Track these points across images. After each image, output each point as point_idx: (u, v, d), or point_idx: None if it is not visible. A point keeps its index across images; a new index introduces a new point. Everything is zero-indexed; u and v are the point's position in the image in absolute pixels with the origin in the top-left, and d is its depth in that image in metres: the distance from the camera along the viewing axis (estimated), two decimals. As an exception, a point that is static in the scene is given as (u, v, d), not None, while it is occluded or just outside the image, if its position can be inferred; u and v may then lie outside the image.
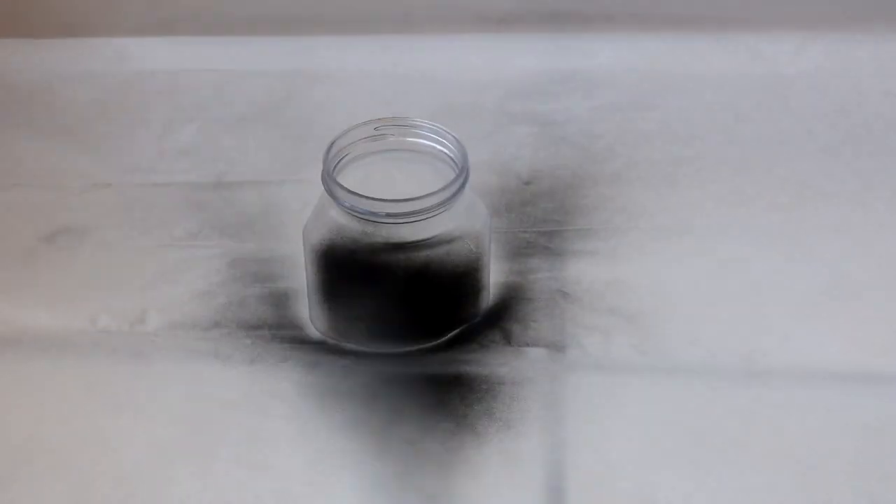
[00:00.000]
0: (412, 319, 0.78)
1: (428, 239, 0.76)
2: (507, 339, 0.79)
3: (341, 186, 0.74)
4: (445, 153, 0.77)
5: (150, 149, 0.92)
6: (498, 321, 0.80)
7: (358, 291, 0.77)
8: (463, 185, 0.75)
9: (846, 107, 0.92)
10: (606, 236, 0.86)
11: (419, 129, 0.78)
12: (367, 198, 0.74)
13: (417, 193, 0.74)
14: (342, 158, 0.77)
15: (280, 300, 0.82)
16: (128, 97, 0.94)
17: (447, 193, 0.75)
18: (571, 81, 0.93)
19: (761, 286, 0.82)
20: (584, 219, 0.87)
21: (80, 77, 0.94)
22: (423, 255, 0.76)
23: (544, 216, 0.88)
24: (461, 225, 0.77)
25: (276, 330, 0.80)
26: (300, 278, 0.81)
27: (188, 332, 0.80)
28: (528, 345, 0.79)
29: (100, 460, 0.73)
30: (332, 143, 0.77)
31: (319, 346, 0.79)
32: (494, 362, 0.78)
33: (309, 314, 0.80)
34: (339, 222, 0.76)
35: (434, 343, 0.79)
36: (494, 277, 0.82)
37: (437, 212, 0.75)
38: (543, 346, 0.79)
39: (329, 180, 0.75)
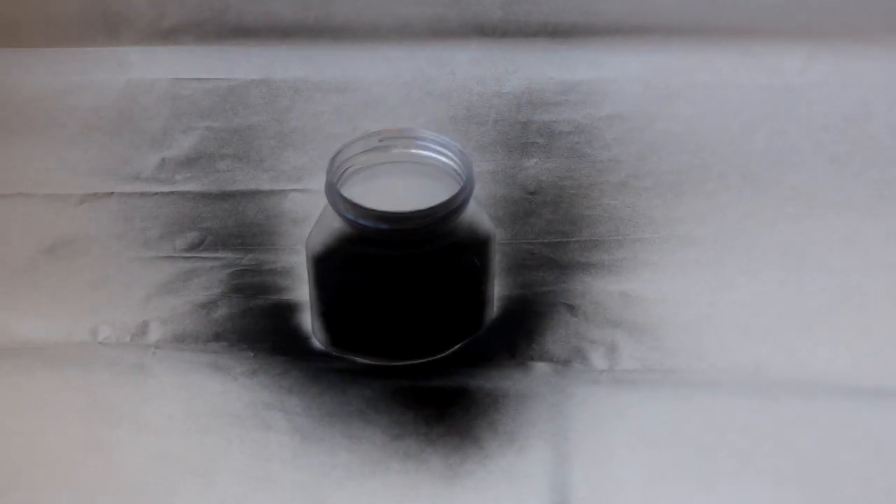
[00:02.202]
0: (415, 332, 0.78)
1: (432, 251, 0.75)
2: (512, 353, 0.78)
3: (345, 198, 0.74)
4: (450, 165, 0.77)
5: (151, 158, 0.91)
6: (502, 335, 0.80)
7: (361, 304, 0.77)
8: (467, 199, 0.75)
9: (854, 118, 0.91)
10: (612, 248, 0.85)
11: (424, 141, 0.78)
12: (370, 210, 0.73)
13: (422, 206, 0.73)
14: (346, 170, 0.77)
15: (282, 312, 0.81)
16: (129, 106, 0.93)
17: (451, 206, 0.74)
18: (577, 91, 0.93)
19: (768, 298, 0.81)
20: (589, 229, 0.87)
21: (82, 86, 0.93)
22: (427, 267, 0.76)
23: (549, 227, 0.87)
24: (465, 238, 0.76)
25: (278, 342, 0.79)
26: (303, 290, 0.81)
27: (190, 344, 0.80)
28: (532, 358, 0.78)
29: (100, 472, 0.72)
30: (336, 154, 0.76)
31: (322, 359, 0.79)
32: (498, 376, 0.77)
33: (311, 326, 0.80)
34: (343, 234, 0.75)
35: (437, 356, 0.78)
36: (498, 290, 0.81)
37: (441, 224, 0.74)
38: (548, 360, 0.78)
39: (333, 192, 0.75)
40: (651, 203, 0.88)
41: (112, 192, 0.90)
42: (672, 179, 0.90)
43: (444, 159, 0.77)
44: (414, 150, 0.78)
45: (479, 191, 0.77)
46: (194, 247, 0.86)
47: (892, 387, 0.76)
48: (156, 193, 0.90)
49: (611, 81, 0.93)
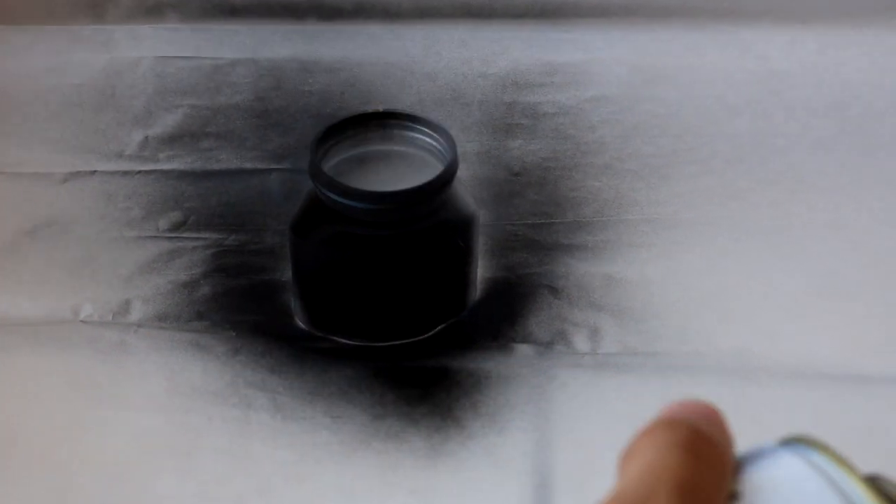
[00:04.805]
0: (398, 313, 0.78)
1: (415, 232, 0.75)
2: (494, 335, 0.78)
3: (329, 178, 0.74)
4: (434, 146, 0.77)
5: (134, 137, 0.91)
6: (485, 316, 0.79)
7: (344, 284, 0.77)
8: (450, 180, 0.75)
9: (839, 101, 0.91)
10: (596, 230, 0.85)
11: (408, 122, 0.78)
12: (354, 190, 0.73)
13: (406, 186, 0.73)
14: (330, 149, 0.77)
15: (265, 292, 0.81)
16: (113, 84, 0.93)
17: (435, 186, 0.74)
18: (562, 73, 0.93)
19: (752, 283, 0.81)
20: (573, 211, 0.87)
21: (65, 64, 0.93)
22: (411, 248, 0.75)
23: (533, 208, 0.87)
24: (448, 219, 0.76)
25: (260, 322, 0.79)
26: (286, 270, 0.81)
27: (172, 323, 0.79)
28: (514, 340, 0.78)
29: (81, 451, 0.72)
30: (321, 134, 0.76)
31: (304, 339, 0.78)
32: (481, 357, 0.77)
33: (294, 306, 0.80)
34: (326, 214, 0.75)
35: (420, 337, 0.78)
36: (481, 272, 0.81)
37: (424, 205, 0.74)
38: (530, 342, 0.78)
39: (316, 172, 0.74)
40: (635, 185, 0.88)
41: (95, 171, 0.89)
42: (657, 162, 0.90)
43: (428, 140, 0.77)
44: (399, 131, 0.78)
45: (464, 172, 0.77)
46: (177, 227, 0.86)
47: (876, 372, 0.76)
48: (139, 172, 0.89)
49: (596, 63, 0.93)
